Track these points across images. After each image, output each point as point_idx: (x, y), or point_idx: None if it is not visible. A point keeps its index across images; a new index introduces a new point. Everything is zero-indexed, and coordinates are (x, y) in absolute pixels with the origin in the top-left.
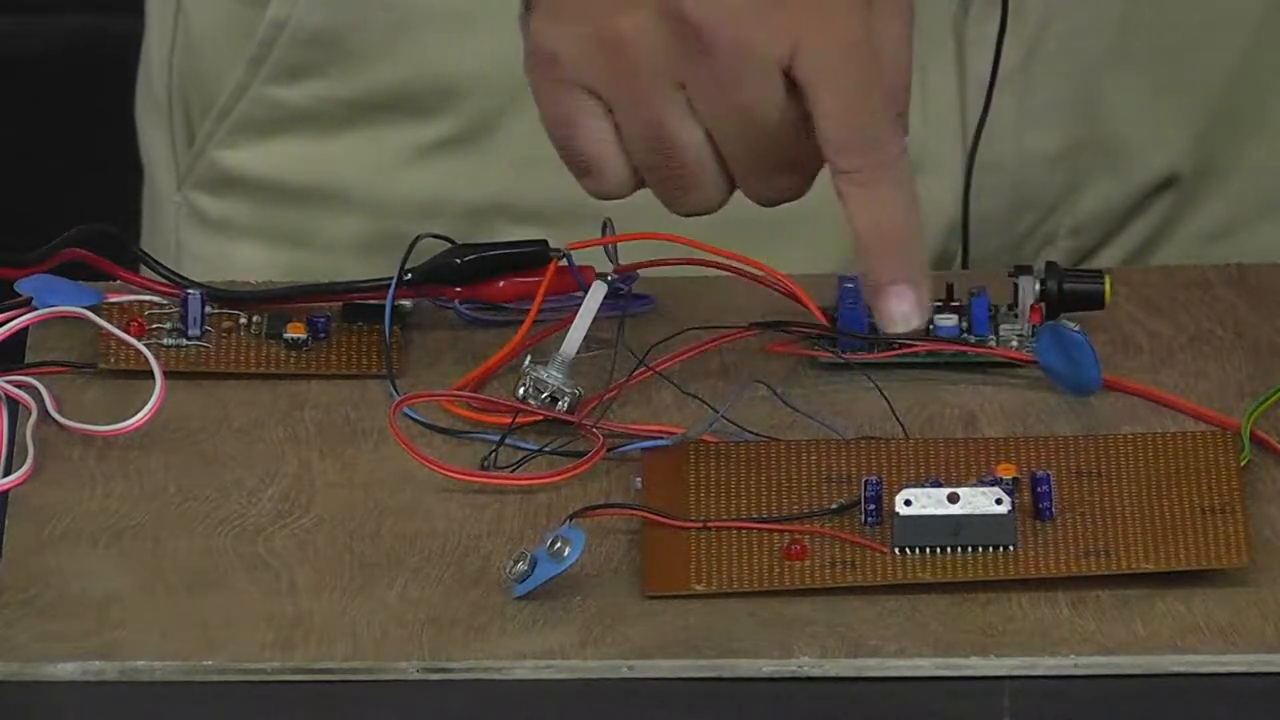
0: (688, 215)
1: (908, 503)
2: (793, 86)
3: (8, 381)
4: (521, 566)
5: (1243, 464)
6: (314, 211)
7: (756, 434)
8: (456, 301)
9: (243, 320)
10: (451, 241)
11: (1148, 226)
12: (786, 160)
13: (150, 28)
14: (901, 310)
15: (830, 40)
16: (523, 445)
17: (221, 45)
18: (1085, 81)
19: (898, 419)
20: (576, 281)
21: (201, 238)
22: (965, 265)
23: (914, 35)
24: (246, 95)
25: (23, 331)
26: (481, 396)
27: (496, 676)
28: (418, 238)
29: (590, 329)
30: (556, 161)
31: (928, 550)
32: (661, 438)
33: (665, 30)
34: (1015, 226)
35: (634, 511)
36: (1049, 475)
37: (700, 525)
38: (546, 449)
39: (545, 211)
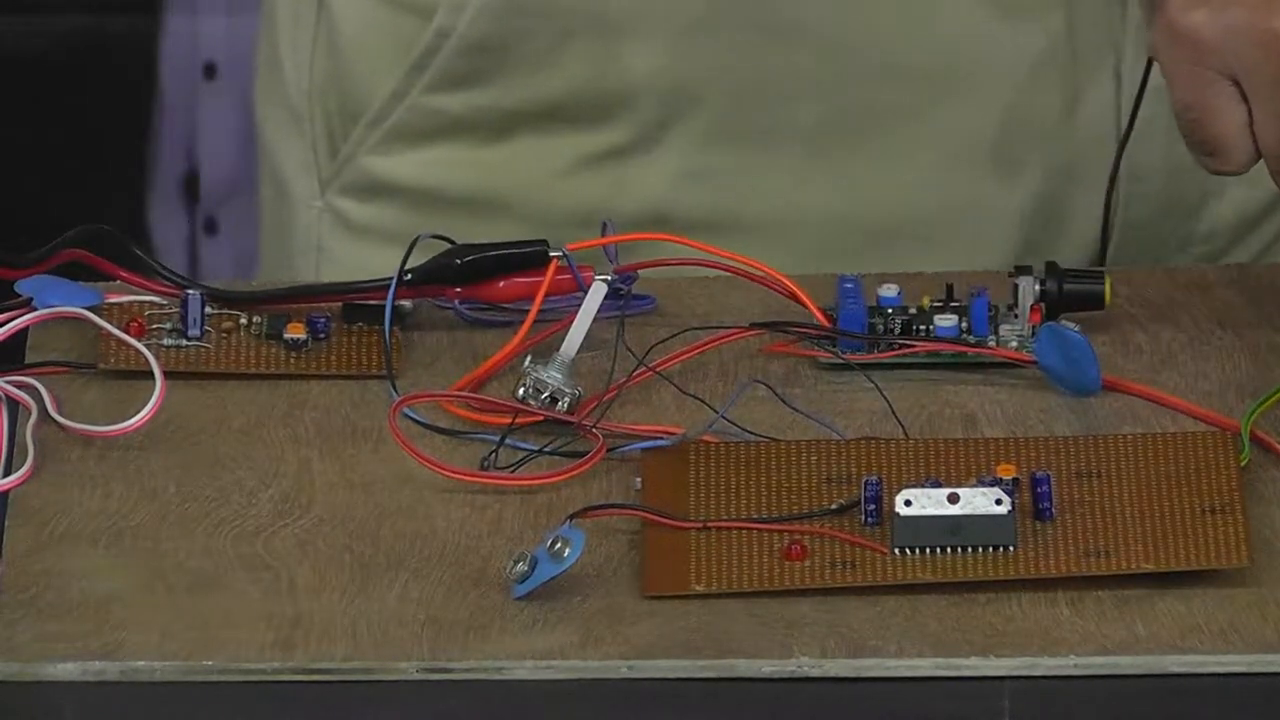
0: None
1: (908, 503)
2: None
3: (8, 381)
4: (522, 567)
5: (1243, 464)
6: (466, 220)
7: (756, 434)
8: (456, 301)
9: (243, 320)
10: (451, 242)
11: (1273, 228)
12: None
13: (280, 32)
14: None
15: None
16: (523, 445)
17: (373, 52)
18: None
19: (898, 419)
20: (577, 281)
21: (345, 243)
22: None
23: None
24: (403, 103)
25: (23, 331)
26: (481, 397)
27: (496, 676)
28: (417, 237)
29: (590, 329)
30: (718, 173)
31: (928, 550)
32: (661, 438)
33: None
34: (1157, 232)
35: (634, 511)
36: (1049, 475)
37: (700, 525)
38: (546, 449)
39: (705, 223)
